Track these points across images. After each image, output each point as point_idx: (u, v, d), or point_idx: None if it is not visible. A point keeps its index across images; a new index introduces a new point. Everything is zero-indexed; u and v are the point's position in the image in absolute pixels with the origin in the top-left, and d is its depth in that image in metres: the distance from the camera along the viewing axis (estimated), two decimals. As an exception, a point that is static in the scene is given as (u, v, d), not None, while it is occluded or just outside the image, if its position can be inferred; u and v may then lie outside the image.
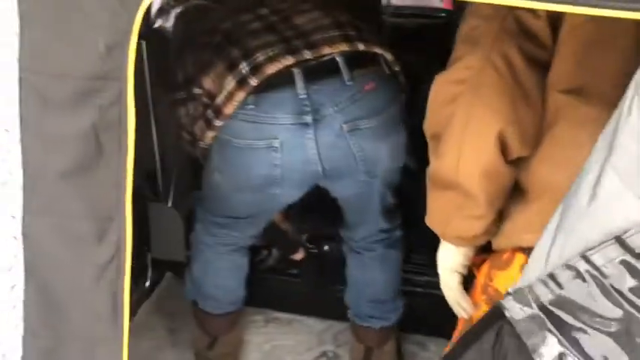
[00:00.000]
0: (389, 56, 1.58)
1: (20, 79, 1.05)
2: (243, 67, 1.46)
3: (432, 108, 1.16)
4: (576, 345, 0.89)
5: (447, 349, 1.35)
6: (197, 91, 1.55)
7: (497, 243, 1.20)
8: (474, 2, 1.09)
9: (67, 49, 1.03)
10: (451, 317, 1.47)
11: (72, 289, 1.14)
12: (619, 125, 0.90)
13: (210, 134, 1.54)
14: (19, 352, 1.19)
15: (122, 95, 1.04)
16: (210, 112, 1.51)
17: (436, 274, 1.81)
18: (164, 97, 1.75)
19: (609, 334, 0.87)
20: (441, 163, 1.14)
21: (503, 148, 1.10)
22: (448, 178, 1.14)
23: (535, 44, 1.10)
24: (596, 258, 0.88)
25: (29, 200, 1.10)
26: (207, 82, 1.52)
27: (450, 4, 1.98)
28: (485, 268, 1.22)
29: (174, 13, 1.79)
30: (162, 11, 1.79)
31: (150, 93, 1.78)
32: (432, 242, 1.66)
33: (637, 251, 0.86)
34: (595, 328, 0.88)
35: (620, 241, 0.87)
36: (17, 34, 1.03)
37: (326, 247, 1.97)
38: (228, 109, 1.47)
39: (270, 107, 1.47)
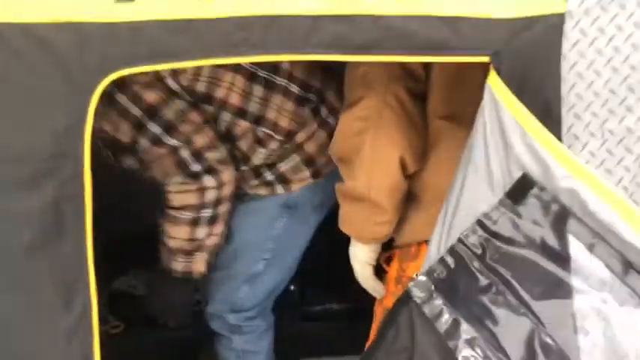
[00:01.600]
0: None
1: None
2: None
3: (340, 137, 1.42)
4: (464, 311, 1.17)
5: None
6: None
7: (402, 240, 1.47)
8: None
9: (21, 133, 1.07)
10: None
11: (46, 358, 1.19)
12: (473, 142, 1.18)
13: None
14: None
15: (80, 169, 1.12)
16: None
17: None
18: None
19: (485, 299, 1.15)
20: (355, 183, 1.40)
21: (403, 168, 1.39)
22: (361, 194, 1.40)
23: (415, 81, 1.39)
24: (469, 239, 1.17)
25: (-5, 281, 1.13)
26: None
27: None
28: (395, 263, 1.48)
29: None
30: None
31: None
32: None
33: (491, 228, 1.14)
34: (477, 294, 1.16)
35: (480, 223, 1.16)
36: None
37: None
38: None
39: None
